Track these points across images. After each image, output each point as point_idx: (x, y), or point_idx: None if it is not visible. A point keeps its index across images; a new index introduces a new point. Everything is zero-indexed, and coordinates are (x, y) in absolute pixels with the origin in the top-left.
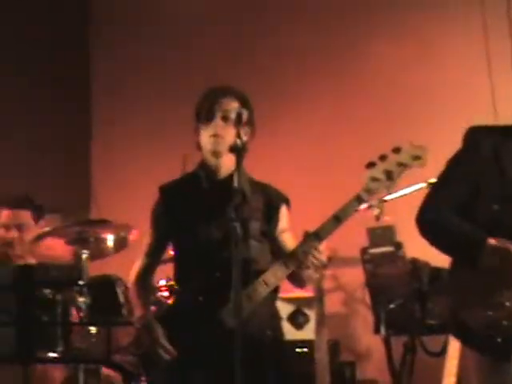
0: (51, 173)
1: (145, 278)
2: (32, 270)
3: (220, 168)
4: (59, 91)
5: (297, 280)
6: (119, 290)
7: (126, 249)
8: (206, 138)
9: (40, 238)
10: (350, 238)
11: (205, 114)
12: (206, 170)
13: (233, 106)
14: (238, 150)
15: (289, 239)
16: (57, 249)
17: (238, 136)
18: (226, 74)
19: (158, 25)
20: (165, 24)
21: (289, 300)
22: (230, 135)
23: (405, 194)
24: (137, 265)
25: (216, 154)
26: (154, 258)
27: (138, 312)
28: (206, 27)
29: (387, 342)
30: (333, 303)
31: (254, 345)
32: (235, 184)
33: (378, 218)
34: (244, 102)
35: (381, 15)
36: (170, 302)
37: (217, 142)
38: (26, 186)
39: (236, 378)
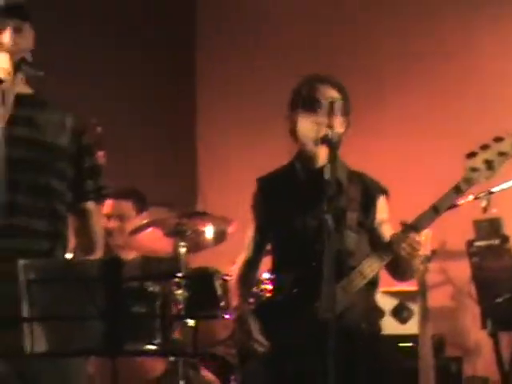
0: (157, 166)
1: (247, 270)
2: (121, 262)
3: (317, 157)
4: (164, 88)
5: (399, 273)
6: (217, 283)
7: (225, 241)
8: (307, 125)
9: (139, 229)
10: (458, 231)
11: (306, 101)
12: (302, 161)
13: (331, 94)
14: (330, 141)
15: (387, 230)
16: (156, 241)
17: (331, 126)
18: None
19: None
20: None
21: (392, 294)
22: (333, 124)
23: None
24: (240, 258)
25: (317, 142)
26: (255, 250)
27: (235, 305)
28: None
29: (494, 338)
30: (440, 297)
31: (348, 338)
32: (328, 175)
33: (485, 210)
34: (342, 92)
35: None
36: (268, 294)
37: (321, 130)
38: (133, 179)
39: (329, 371)
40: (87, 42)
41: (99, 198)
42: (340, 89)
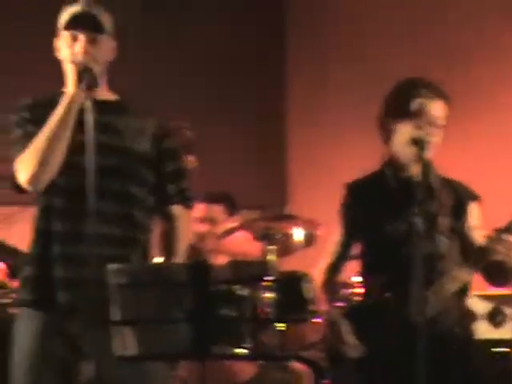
0: (248, 170)
1: (331, 274)
2: (209, 265)
3: (410, 166)
4: (253, 91)
5: (494, 277)
6: (306, 287)
7: (314, 245)
8: (405, 133)
9: (228, 232)
10: None
11: (406, 109)
12: (393, 168)
13: (435, 105)
14: (422, 143)
15: (479, 236)
16: (246, 244)
17: (429, 135)
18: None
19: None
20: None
21: (487, 298)
22: (431, 133)
23: None
24: (323, 261)
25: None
26: (341, 254)
27: (323, 309)
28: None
29: None
30: None
31: (442, 342)
32: (419, 178)
33: None
34: (444, 100)
35: None
36: (358, 298)
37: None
38: (224, 183)
39: (419, 375)
40: (175, 42)
41: (184, 202)
42: (442, 97)
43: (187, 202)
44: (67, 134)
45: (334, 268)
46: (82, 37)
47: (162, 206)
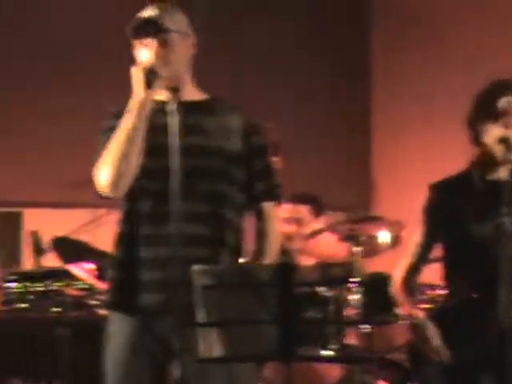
0: (334, 171)
1: (411, 276)
2: (294, 266)
3: (498, 169)
4: (339, 93)
5: None
6: (391, 288)
7: (400, 246)
8: (495, 136)
9: (314, 234)
10: None
11: (497, 111)
12: (481, 169)
13: None
14: (508, 144)
15: None
16: (331, 246)
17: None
18: None
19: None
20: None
21: None
22: None
23: None
24: (403, 263)
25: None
26: (421, 256)
27: (406, 311)
28: None
29: None
30: None
31: None
32: (507, 179)
33: None
34: None
35: None
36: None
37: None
38: (311, 184)
39: (507, 380)
40: (265, 43)
41: (273, 198)
42: None
43: (276, 199)
44: (139, 139)
45: (414, 269)
46: (147, 42)
47: (252, 204)
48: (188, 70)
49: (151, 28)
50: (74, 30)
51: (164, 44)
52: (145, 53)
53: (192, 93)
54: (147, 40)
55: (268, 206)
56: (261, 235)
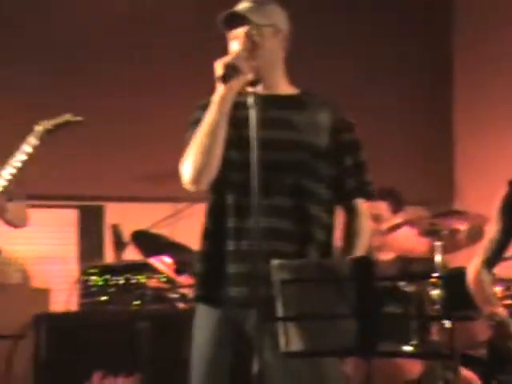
0: (415, 166)
1: (486, 271)
2: (373, 261)
3: None
4: (421, 89)
5: None
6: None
7: (482, 241)
8: None
9: (393, 229)
10: None
11: None
12: None
13: None
14: None
15: None
16: (411, 240)
17: None
18: None
19: None
20: None
21: None
22: None
23: None
24: (478, 258)
25: None
26: (496, 252)
27: (487, 308)
28: None
29: None
30: None
31: None
32: None
33: None
34: None
35: None
36: None
37: None
38: (391, 178)
39: None
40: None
41: (364, 195)
42: None
43: (367, 196)
44: (220, 132)
45: (488, 265)
46: (237, 34)
47: (343, 201)
48: (279, 64)
49: (238, 21)
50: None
51: (251, 37)
52: (234, 45)
53: (283, 87)
54: (237, 32)
55: (358, 203)
56: (350, 232)
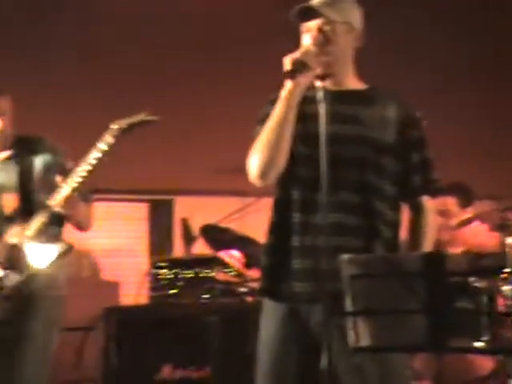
0: (484, 160)
1: None
2: (443, 256)
3: None
4: (491, 87)
5: None
6: None
7: None
8: None
9: (463, 224)
10: None
11: None
12: None
13: None
14: None
15: None
16: (481, 235)
17: None
18: None
19: None
20: None
21: None
22: None
23: None
24: None
25: None
26: None
27: None
28: None
29: None
30: None
31: None
32: None
33: None
34: None
35: None
36: None
37: None
38: (460, 173)
39: None
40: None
41: (431, 192)
42: None
43: (434, 193)
44: (287, 128)
45: None
46: (309, 29)
47: (408, 198)
48: (349, 61)
49: (312, 14)
50: None
51: (324, 32)
52: (306, 39)
53: (352, 82)
54: (309, 25)
55: (425, 200)
56: (416, 229)
